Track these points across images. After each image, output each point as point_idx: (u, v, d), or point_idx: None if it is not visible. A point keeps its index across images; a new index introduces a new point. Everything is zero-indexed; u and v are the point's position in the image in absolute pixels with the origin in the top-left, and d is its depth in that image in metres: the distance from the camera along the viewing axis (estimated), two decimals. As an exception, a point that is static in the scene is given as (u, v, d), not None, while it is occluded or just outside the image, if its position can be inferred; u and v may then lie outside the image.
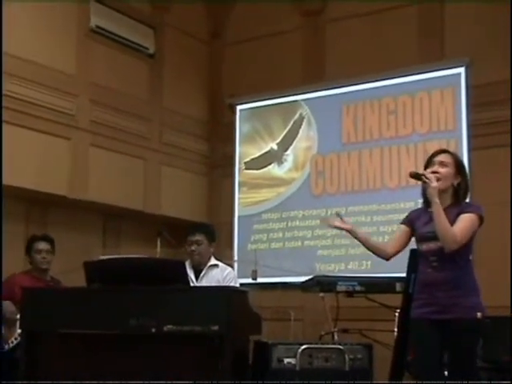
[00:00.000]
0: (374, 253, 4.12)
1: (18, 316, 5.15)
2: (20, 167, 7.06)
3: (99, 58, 7.98)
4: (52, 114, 7.43)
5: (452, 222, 3.83)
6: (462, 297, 3.82)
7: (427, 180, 3.87)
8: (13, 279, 5.80)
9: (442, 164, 3.98)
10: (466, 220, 3.86)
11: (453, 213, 3.88)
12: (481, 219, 3.92)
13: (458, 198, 3.97)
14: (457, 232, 3.81)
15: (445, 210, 3.85)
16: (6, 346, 5.70)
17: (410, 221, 4.07)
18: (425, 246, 3.94)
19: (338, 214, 4.21)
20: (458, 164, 4.02)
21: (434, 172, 3.92)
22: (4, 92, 7.05)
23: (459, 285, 3.83)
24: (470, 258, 3.97)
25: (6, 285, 5.77)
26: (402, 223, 4.11)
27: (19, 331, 5.27)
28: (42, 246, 5.99)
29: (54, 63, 7.50)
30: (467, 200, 4.12)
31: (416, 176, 3.98)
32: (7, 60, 7.06)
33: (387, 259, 4.12)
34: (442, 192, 3.88)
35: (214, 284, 5.24)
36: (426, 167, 4.01)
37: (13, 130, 7.05)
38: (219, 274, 5.35)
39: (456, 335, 3.77)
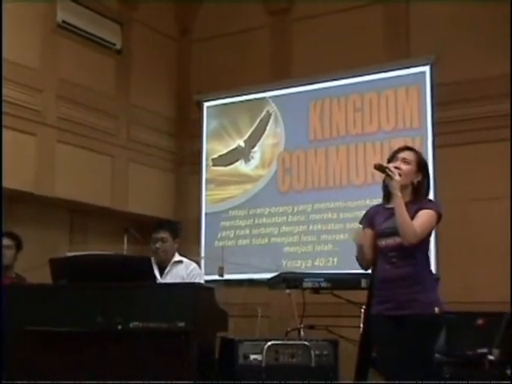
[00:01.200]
0: (361, 260, 4.10)
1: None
2: (-15, 164, 6.95)
3: (66, 53, 7.93)
4: (18, 109, 7.39)
5: (411, 218, 3.85)
6: (421, 292, 3.83)
7: (390, 173, 3.90)
8: None
9: (404, 161, 4.01)
10: (425, 215, 3.89)
11: (412, 209, 3.90)
12: (439, 216, 3.96)
13: (417, 195, 3.99)
14: (416, 226, 3.83)
15: (405, 205, 3.88)
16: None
17: (370, 219, 4.08)
18: (384, 242, 3.95)
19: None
20: (420, 162, 4.06)
21: (396, 167, 3.95)
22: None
23: (418, 281, 3.85)
24: (427, 254, 4.00)
25: None
26: (362, 226, 4.12)
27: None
28: (5, 241, 5.95)
29: (19, 58, 7.43)
30: (430, 197, 4.15)
31: (380, 168, 4.00)
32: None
33: (367, 269, 4.14)
34: (401, 188, 3.91)
35: (178, 280, 5.24)
36: (389, 161, 4.04)
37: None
38: (183, 270, 5.37)
39: (414, 331, 3.78)
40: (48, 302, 4.51)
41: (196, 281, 5.26)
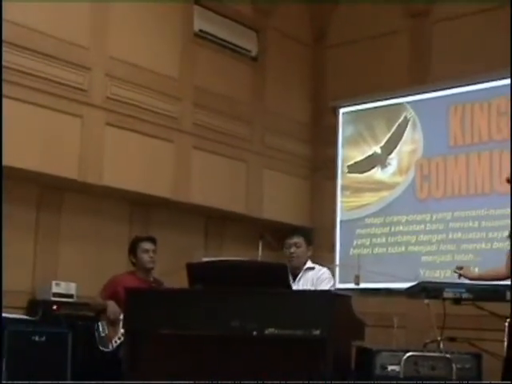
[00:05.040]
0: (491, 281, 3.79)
1: (122, 316, 5.19)
2: (124, 169, 7.12)
3: (202, 61, 7.97)
4: (156, 116, 7.49)
5: None
6: None
7: None
8: (117, 279, 5.86)
9: None
10: None
11: None
12: None
13: None
14: None
15: None
16: (110, 346, 5.73)
17: None
18: None
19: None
20: None
21: None
22: (108, 95, 7.15)
23: None
24: None
25: (109, 285, 5.86)
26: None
27: (122, 331, 5.33)
28: (149, 245, 6.00)
29: (158, 67, 7.55)
30: None
31: None
32: (113, 63, 7.20)
33: (504, 279, 3.91)
34: None
35: (309, 285, 5.21)
36: None
37: (117, 133, 7.12)
38: (314, 275, 5.33)
39: None
40: (184, 305, 4.51)
41: (324, 284, 5.21)
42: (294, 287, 5.07)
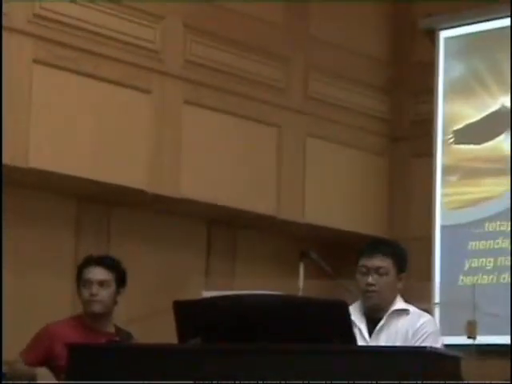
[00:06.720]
0: None
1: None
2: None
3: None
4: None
5: None
6: None
7: None
8: (50, 330, 4.79)
9: None
10: None
11: None
12: None
13: None
14: None
15: None
16: None
17: None
18: None
19: None
20: None
21: None
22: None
23: None
24: None
25: (39, 340, 4.82)
26: None
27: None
28: (95, 273, 4.88)
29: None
30: None
31: None
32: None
33: None
34: None
35: (399, 341, 4.19)
36: None
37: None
38: (409, 325, 4.24)
39: None
40: (171, 374, 3.42)
41: (428, 343, 4.04)
42: (371, 342, 4.23)
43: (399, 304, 4.39)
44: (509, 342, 6.51)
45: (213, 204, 6.66)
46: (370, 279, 4.36)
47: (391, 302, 4.40)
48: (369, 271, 4.40)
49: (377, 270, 4.38)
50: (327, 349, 3.59)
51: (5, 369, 5.12)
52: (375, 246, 4.52)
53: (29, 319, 5.45)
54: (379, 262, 4.41)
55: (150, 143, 6.35)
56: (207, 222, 7.08)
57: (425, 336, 4.27)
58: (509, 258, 6.88)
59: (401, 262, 4.42)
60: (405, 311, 4.39)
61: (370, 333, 4.34)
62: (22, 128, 5.80)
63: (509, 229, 6.93)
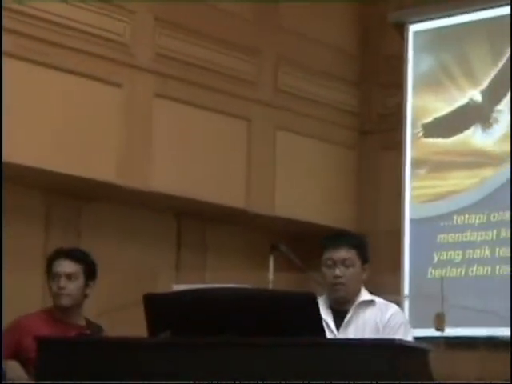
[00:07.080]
0: None
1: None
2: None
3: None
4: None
5: None
6: None
7: None
8: (21, 324, 4.83)
9: None
10: None
11: None
12: None
13: None
14: None
15: None
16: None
17: None
18: None
19: None
20: None
21: None
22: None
23: None
24: None
25: (9, 334, 4.86)
26: None
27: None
28: (63, 266, 4.89)
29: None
30: None
31: None
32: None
33: None
34: None
35: (367, 333, 4.22)
36: None
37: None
38: (377, 316, 4.29)
39: None
40: (140, 368, 3.39)
41: (399, 336, 4.09)
42: (340, 335, 4.29)
43: (365, 295, 4.47)
44: (475, 334, 6.63)
45: (183, 197, 6.67)
46: (338, 271, 4.41)
47: (357, 293, 4.47)
48: (335, 263, 4.42)
49: (343, 262, 4.42)
50: (297, 342, 3.57)
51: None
52: (339, 238, 4.58)
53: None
54: (345, 253, 4.44)
55: (119, 136, 6.37)
56: (177, 216, 7.09)
57: (396, 327, 4.32)
58: (478, 251, 6.89)
59: (364, 252, 4.48)
60: (371, 302, 4.44)
61: (337, 326, 4.38)
62: (-12, 121, 5.76)
63: (479, 221, 6.98)
